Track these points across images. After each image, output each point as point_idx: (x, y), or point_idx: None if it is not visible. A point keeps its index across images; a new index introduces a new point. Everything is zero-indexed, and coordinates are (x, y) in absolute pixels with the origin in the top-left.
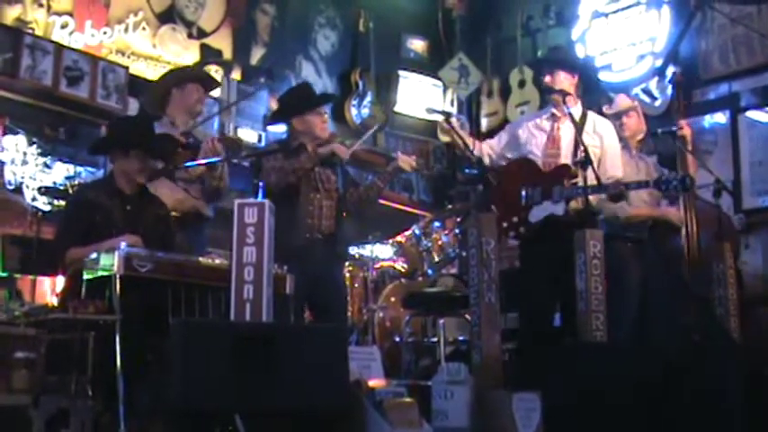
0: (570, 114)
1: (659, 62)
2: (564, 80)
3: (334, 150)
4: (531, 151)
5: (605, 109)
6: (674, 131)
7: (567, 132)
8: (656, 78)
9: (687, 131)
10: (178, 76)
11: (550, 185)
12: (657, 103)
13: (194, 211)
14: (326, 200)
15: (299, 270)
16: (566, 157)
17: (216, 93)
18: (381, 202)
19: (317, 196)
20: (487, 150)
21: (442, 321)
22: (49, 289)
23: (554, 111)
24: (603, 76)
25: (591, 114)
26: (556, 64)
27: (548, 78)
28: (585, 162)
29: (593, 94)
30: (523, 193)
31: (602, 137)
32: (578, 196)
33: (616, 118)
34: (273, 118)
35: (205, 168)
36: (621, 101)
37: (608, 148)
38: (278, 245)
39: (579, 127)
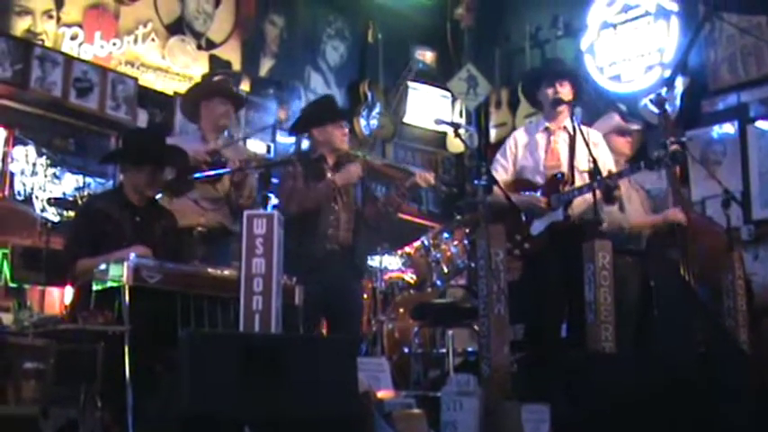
0: (572, 124)
1: (668, 73)
2: (570, 92)
3: (351, 179)
4: (529, 167)
5: (597, 126)
6: (683, 142)
7: (563, 144)
8: (664, 89)
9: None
10: (205, 89)
11: (548, 195)
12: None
13: (220, 226)
14: (345, 212)
15: (316, 281)
16: (565, 167)
17: None
18: None
19: (336, 208)
20: (500, 180)
21: (450, 332)
22: (58, 299)
23: (547, 124)
24: (612, 87)
25: (584, 128)
26: (563, 75)
27: (550, 91)
28: (596, 171)
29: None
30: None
31: (596, 146)
32: (574, 197)
33: (615, 133)
34: (294, 127)
35: (230, 185)
36: (619, 120)
37: (602, 156)
38: (295, 255)
39: (582, 136)
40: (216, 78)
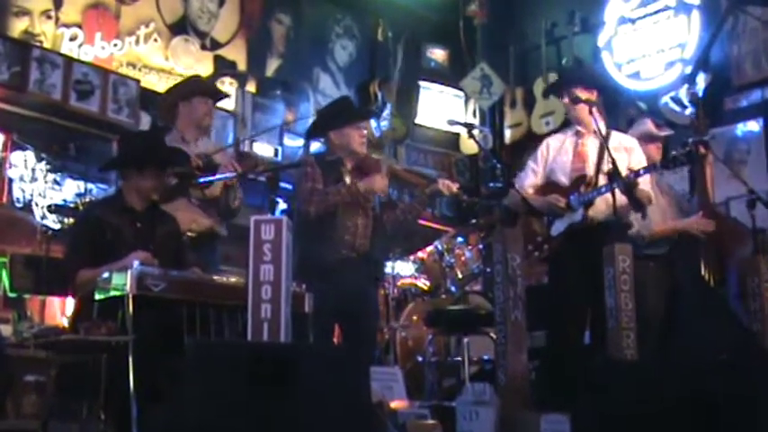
0: (597, 125)
1: (689, 69)
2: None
3: (375, 189)
4: (557, 170)
5: (631, 132)
6: (705, 141)
7: (592, 148)
8: (685, 86)
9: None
10: (183, 90)
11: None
12: (688, 112)
13: (209, 230)
14: (363, 218)
15: (330, 288)
16: (591, 170)
17: (230, 106)
18: None
19: (354, 213)
20: (530, 184)
21: (466, 340)
22: (59, 310)
23: (578, 128)
24: (631, 85)
25: (615, 133)
26: (573, 82)
27: (566, 100)
28: (614, 172)
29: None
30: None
31: (629, 153)
32: (593, 198)
33: (644, 140)
34: (311, 131)
35: (222, 189)
36: (650, 127)
37: (635, 162)
38: (311, 260)
39: (605, 139)
40: (194, 77)
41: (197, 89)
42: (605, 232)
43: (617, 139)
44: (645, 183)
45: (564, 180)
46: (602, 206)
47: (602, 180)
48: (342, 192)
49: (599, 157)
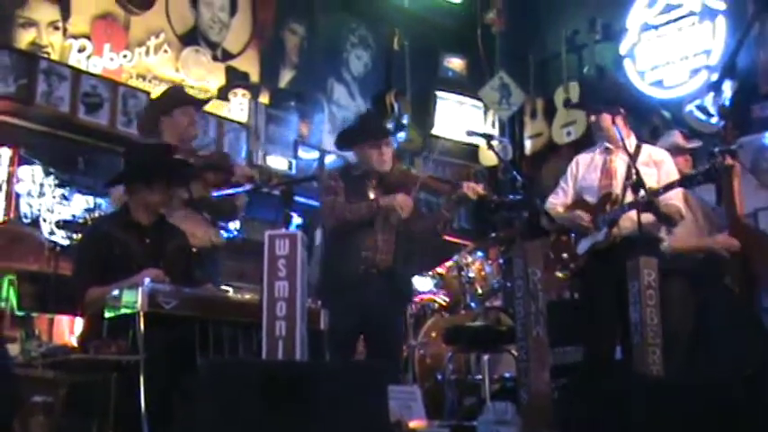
0: (621, 138)
1: (715, 76)
2: (607, 118)
3: (394, 206)
4: (586, 188)
5: (659, 144)
6: (732, 150)
7: (621, 164)
8: (711, 94)
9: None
10: (162, 104)
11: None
12: (713, 121)
13: (210, 244)
14: (383, 233)
15: (350, 305)
16: (618, 187)
17: (243, 118)
18: None
19: (375, 230)
20: (560, 203)
21: (486, 357)
22: (68, 328)
23: (607, 144)
24: (654, 93)
25: (646, 146)
26: (597, 102)
27: (592, 119)
28: (638, 184)
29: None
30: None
31: (659, 167)
32: (617, 217)
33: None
34: (337, 143)
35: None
36: (678, 139)
37: (665, 175)
38: (330, 276)
39: (633, 154)
40: (170, 89)
41: (176, 101)
42: (630, 247)
43: (647, 152)
44: (676, 196)
45: (592, 198)
46: (626, 223)
47: (629, 197)
48: (362, 208)
49: (627, 174)
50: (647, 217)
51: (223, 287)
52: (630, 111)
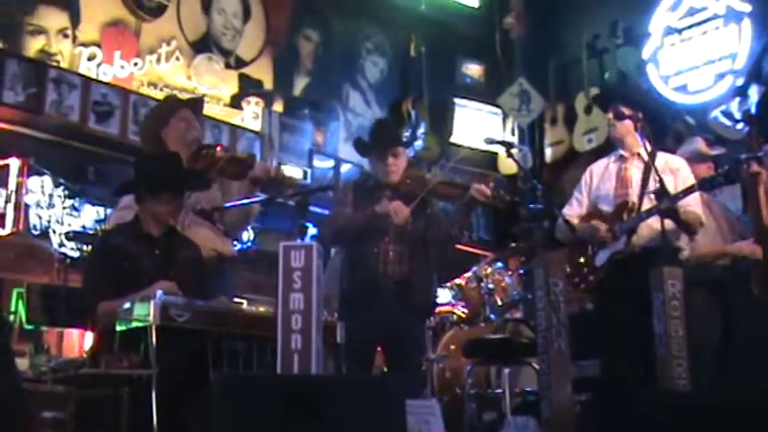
0: (643, 144)
1: (740, 81)
2: (628, 122)
3: (389, 213)
4: (601, 197)
5: (680, 152)
6: (759, 157)
7: (636, 172)
8: (736, 99)
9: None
10: (159, 117)
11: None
12: (739, 126)
13: (215, 254)
14: (395, 243)
15: (369, 317)
16: (635, 195)
17: (257, 127)
18: None
19: (386, 240)
20: (575, 214)
21: (507, 371)
22: (78, 342)
23: (621, 152)
24: (678, 98)
25: (661, 153)
26: (617, 98)
27: (610, 115)
28: (662, 192)
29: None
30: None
31: (675, 175)
32: (635, 225)
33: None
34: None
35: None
36: (701, 146)
37: (682, 183)
38: (347, 289)
39: (650, 160)
40: (164, 99)
41: (168, 110)
42: (651, 257)
43: (662, 159)
44: (695, 203)
45: (608, 208)
46: (645, 232)
47: (647, 205)
48: (358, 216)
49: (643, 181)
50: (668, 224)
51: (237, 300)
52: (650, 118)
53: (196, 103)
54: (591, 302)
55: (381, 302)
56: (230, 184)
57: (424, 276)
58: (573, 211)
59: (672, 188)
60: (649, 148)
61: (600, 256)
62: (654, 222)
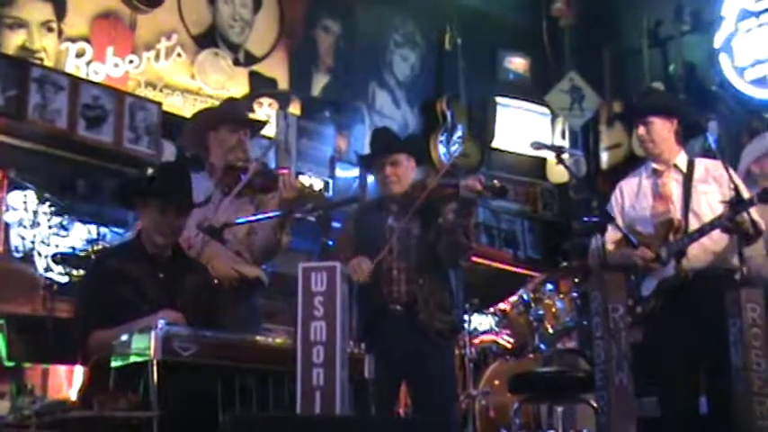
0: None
1: None
2: (661, 129)
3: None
4: (637, 218)
5: (749, 149)
6: None
7: (675, 186)
8: None
9: None
10: (209, 117)
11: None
12: None
13: (241, 278)
14: (399, 261)
15: (381, 349)
16: (678, 212)
17: (271, 132)
18: (478, 260)
19: (389, 258)
20: (609, 239)
21: (560, 409)
22: (66, 380)
23: (654, 165)
24: (755, 93)
25: (699, 160)
26: (648, 110)
27: (642, 130)
28: (742, 202)
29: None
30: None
31: (719, 183)
32: (683, 247)
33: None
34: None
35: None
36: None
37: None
38: (358, 319)
39: (687, 173)
40: (226, 102)
41: (225, 116)
42: (708, 280)
43: (702, 167)
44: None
45: (646, 229)
46: (696, 252)
47: (694, 222)
48: (341, 236)
49: (685, 195)
50: (719, 242)
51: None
52: (686, 124)
53: (255, 125)
54: (634, 336)
55: (392, 330)
56: (265, 202)
57: (437, 295)
58: (606, 234)
59: (715, 199)
60: (685, 158)
61: (646, 284)
62: (705, 241)
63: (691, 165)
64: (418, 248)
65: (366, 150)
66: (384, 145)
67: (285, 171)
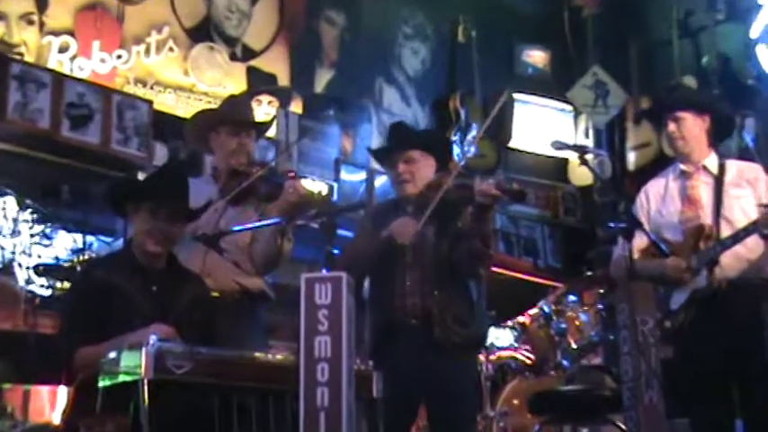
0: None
1: None
2: (692, 126)
3: (393, 234)
4: (664, 225)
5: None
6: None
7: (705, 189)
8: None
9: None
10: (210, 117)
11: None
12: None
13: (244, 291)
14: (414, 271)
15: (395, 366)
16: (709, 218)
17: (271, 132)
18: (495, 270)
19: (402, 269)
20: (635, 247)
21: (585, 431)
22: (49, 402)
23: (682, 167)
24: None
25: (731, 162)
26: (679, 104)
27: (671, 126)
28: None
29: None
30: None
31: (754, 185)
32: (716, 256)
33: None
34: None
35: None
36: None
37: (757, 197)
38: (370, 334)
39: (718, 175)
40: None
41: (224, 117)
42: (743, 290)
43: (734, 169)
44: None
45: (674, 236)
46: (729, 260)
47: (726, 229)
48: (368, 244)
49: (716, 199)
50: (755, 250)
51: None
52: (719, 121)
53: (257, 126)
54: (664, 352)
55: (406, 345)
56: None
57: (454, 307)
58: (636, 241)
59: (751, 202)
60: (716, 159)
61: (675, 297)
62: (739, 249)
63: (722, 167)
64: (433, 257)
65: None
66: (398, 139)
67: (292, 174)
